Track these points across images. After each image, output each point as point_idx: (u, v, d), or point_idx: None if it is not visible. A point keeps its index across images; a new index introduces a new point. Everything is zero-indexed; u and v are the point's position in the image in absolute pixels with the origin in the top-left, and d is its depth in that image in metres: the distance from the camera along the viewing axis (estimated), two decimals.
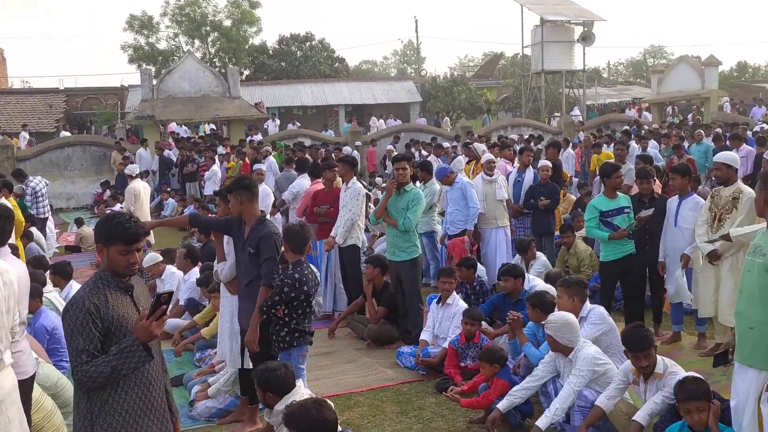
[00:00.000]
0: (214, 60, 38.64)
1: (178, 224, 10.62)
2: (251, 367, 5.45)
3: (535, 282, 7.28)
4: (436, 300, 7.20)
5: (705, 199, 6.74)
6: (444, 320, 6.94)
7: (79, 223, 15.61)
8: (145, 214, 12.06)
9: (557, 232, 9.75)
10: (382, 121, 30.41)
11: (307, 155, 15.27)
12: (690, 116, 27.62)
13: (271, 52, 40.79)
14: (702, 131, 16.55)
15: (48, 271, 7.63)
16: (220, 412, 5.94)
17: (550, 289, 6.36)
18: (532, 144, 16.99)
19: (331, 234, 8.36)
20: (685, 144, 15.83)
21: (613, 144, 14.06)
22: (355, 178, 8.58)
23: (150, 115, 22.21)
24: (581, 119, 27.00)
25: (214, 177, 16.38)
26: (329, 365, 7.04)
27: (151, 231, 11.05)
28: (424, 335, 6.99)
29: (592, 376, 4.96)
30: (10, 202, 9.61)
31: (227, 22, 38.67)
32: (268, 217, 6.04)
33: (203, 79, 23.01)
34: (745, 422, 3.91)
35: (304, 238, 5.36)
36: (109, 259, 3.26)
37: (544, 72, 31.82)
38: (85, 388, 3.14)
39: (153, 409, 3.32)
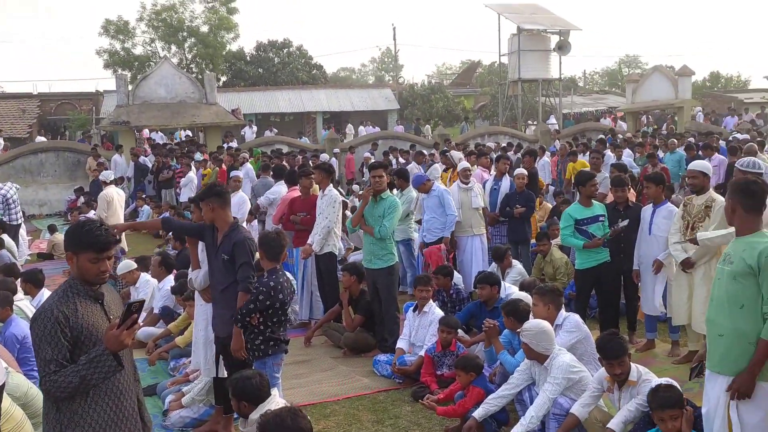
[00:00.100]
0: (191, 66, 38.39)
1: (150, 227, 10.50)
2: (226, 375, 5.41)
3: (511, 290, 7.31)
4: (412, 308, 7.20)
5: (678, 207, 6.83)
6: (420, 328, 6.94)
7: (51, 230, 15.39)
8: (118, 221, 11.91)
9: (533, 240, 9.80)
10: (370, 127, 30.33)
11: (284, 162, 15.21)
12: (664, 125, 28.00)
13: (248, 58, 40.63)
14: (675, 140, 16.82)
15: (19, 279, 7.51)
16: (194, 421, 5.87)
17: (525, 297, 6.37)
18: (509, 153, 17.07)
19: (308, 242, 8.33)
20: (660, 153, 16.03)
21: (588, 153, 14.18)
22: (331, 185, 8.55)
23: (125, 121, 22.01)
24: (557, 128, 27.23)
25: (190, 184, 16.23)
26: (305, 374, 7.00)
27: (124, 238, 10.91)
28: (401, 343, 6.98)
29: (567, 383, 4.98)
30: None
31: (204, 28, 38.47)
32: (244, 224, 6.00)
33: (180, 85, 22.87)
34: (716, 428, 3.95)
35: (279, 246, 5.34)
36: (79, 267, 3.22)
37: (520, 80, 32.07)
38: (54, 399, 3.09)
39: (124, 419, 3.27)
